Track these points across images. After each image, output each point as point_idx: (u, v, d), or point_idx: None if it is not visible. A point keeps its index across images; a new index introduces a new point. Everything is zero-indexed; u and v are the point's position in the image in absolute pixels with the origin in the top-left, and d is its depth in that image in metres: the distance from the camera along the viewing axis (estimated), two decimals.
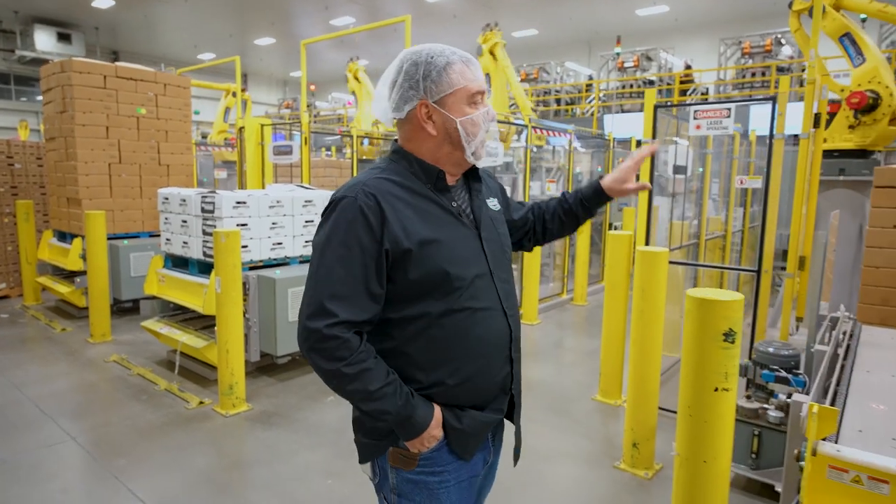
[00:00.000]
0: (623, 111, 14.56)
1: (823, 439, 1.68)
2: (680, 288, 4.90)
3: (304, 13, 18.23)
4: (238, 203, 3.99)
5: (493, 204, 1.40)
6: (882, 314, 3.52)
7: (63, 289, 5.62)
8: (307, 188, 4.70)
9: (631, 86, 14.81)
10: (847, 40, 5.27)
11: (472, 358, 1.23)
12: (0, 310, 6.02)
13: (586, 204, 1.56)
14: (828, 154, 5.46)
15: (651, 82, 14.65)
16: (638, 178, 1.73)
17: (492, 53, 9.07)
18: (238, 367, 3.60)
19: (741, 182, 3.88)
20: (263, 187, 5.81)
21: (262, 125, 6.28)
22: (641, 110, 11.54)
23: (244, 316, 3.97)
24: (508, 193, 1.60)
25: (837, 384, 2.20)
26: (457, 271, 1.20)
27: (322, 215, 1.22)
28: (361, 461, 1.32)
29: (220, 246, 3.46)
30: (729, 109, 3.14)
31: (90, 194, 5.45)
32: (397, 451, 1.24)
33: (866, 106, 4.93)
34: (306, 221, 4.42)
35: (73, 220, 5.58)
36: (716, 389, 1.73)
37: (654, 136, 3.38)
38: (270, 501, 2.65)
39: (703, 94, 14.37)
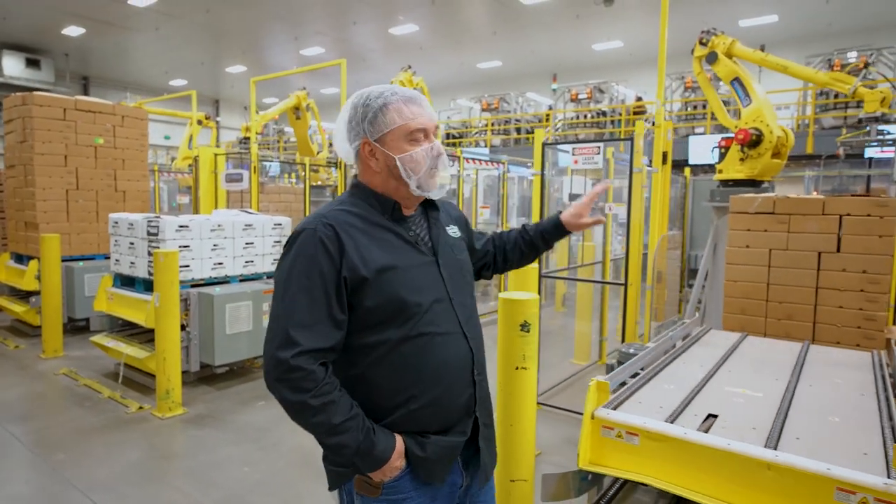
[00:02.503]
0: (578, 141, 15.38)
1: (604, 407, 2.19)
2: (590, 304, 5.43)
3: (275, 43, 18.83)
4: (181, 227, 4.42)
5: (453, 231, 1.47)
6: (741, 322, 4.09)
7: (18, 308, 5.93)
8: (250, 213, 5.15)
9: (585, 116, 15.65)
10: (737, 84, 5.97)
11: (433, 382, 1.27)
12: None
13: (546, 236, 1.67)
14: (724, 183, 6.13)
15: (603, 113, 15.51)
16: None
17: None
18: (174, 374, 3.99)
19: (609, 209, 4.46)
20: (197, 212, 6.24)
21: (216, 154, 6.73)
22: (595, 140, 12.30)
23: (185, 329, 4.37)
24: None
25: (655, 372, 2.72)
26: (414, 298, 1.25)
27: (284, 247, 1.28)
28: (330, 488, 1.33)
29: (159, 265, 3.88)
30: (598, 147, 3.72)
31: (47, 218, 5.81)
32: (362, 478, 1.26)
33: (750, 141, 5.59)
34: (246, 243, 4.85)
35: (30, 243, 5.91)
36: (517, 368, 2.23)
37: (542, 170, 3.93)
38: (190, 485, 3.05)
39: (652, 124, 15.28)
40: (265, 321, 4.69)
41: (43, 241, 5.19)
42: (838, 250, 3.75)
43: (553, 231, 1.67)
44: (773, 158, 5.79)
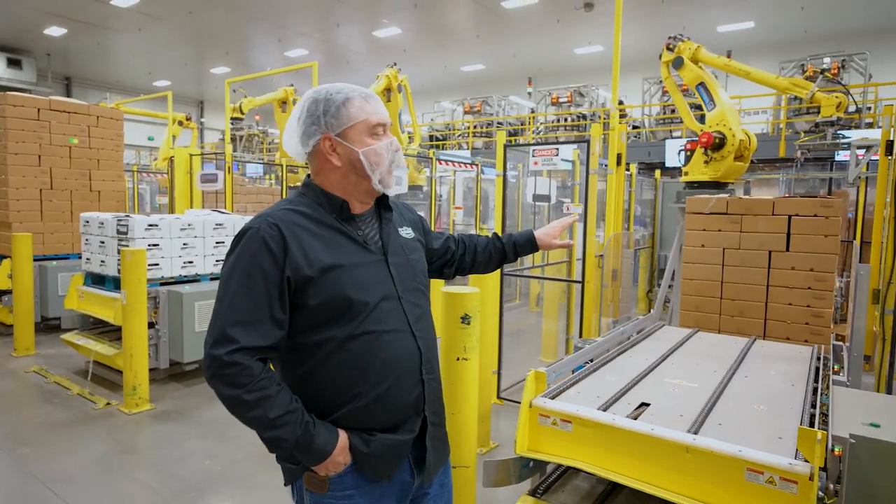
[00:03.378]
0: (559, 143, 15.56)
1: (542, 396, 2.29)
2: (557, 302, 5.55)
3: (259, 44, 18.83)
4: (150, 226, 4.47)
5: (406, 232, 1.47)
6: (696, 319, 4.23)
7: None
8: (222, 213, 5.21)
9: (566, 119, 15.83)
10: (702, 88, 6.14)
11: (379, 380, 1.27)
12: None
13: (518, 248, 1.75)
14: (690, 185, 6.29)
15: (584, 116, 15.71)
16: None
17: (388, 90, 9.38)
18: (142, 370, 4.04)
19: (567, 208, 4.58)
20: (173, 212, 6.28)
21: (192, 155, 6.77)
22: (574, 142, 12.47)
23: (154, 327, 4.42)
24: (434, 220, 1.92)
25: (600, 364, 2.84)
26: (359, 296, 1.25)
27: (231, 245, 1.28)
28: (285, 483, 1.35)
29: (126, 263, 3.93)
30: (557, 150, 3.83)
31: (21, 218, 5.82)
32: (309, 474, 1.28)
33: (713, 144, 5.75)
34: (217, 242, 4.91)
35: (2, 242, 5.91)
36: (458, 359, 2.33)
37: (504, 170, 4.04)
38: (152, 477, 3.12)
39: (634, 127, 15.51)
40: None
41: (14, 241, 5.21)
42: (787, 249, 3.90)
43: (525, 245, 1.75)
44: (737, 161, 5.95)
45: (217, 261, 4.92)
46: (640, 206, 8.91)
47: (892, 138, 3.32)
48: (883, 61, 13.52)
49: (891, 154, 3.36)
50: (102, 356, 4.37)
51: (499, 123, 17.29)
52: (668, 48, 6.35)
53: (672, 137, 13.65)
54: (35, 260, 5.73)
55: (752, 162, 12.34)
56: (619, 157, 3.94)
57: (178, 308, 4.41)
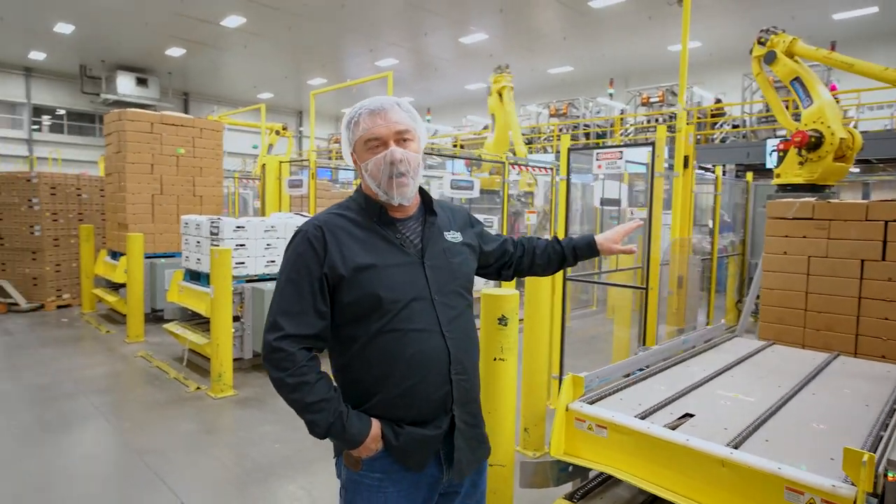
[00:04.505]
0: (625, 146, 14.93)
1: (580, 400, 2.28)
2: (629, 309, 5.37)
3: (352, 55, 19.76)
4: (238, 227, 4.88)
5: (453, 236, 1.52)
6: (778, 331, 3.94)
7: (111, 298, 6.72)
8: (302, 215, 5.57)
9: (657, 120, 15.18)
10: (797, 84, 5.70)
11: (406, 375, 1.36)
12: (62, 315, 7.24)
13: (577, 252, 1.77)
14: (782, 188, 5.85)
15: (676, 116, 14.98)
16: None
17: (499, 94, 9.61)
18: (226, 359, 4.42)
19: (632, 213, 4.40)
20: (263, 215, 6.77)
21: (281, 162, 7.28)
22: (640, 145, 11.99)
23: (240, 320, 4.82)
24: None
25: (652, 373, 2.77)
26: (389, 294, 1.34)
27: (287, 245, 1.43)
28: (334, 455, 1.50)
29: (214, 261, 4.34)
30: (621, 152, 3.74)
31: (136, 220, 6.56)
32: (346, 451, 1.40)
33: (808, 144, 5.32)
34: None
35: (121, 242, 6.68)
36: (495, 359, 2.37)
37: (567, 174, 4.00)
38: (227, 455, 3.43)
39: (734, 126, 14.58)
40: None
41: (129, 240, 5.89)
42: (884, 258, 3.54)
43: (585, 249, 1.77)
44: (837, 161, 5.47)
45: None
46: (730, 211, 8.38)
47: None
48: None
49: None
50: (195, 345, 4.83)
51: (586, 126, 16.91)
52: (760, 42, 5.98)
53: (776, 136, 12.68)
54: (147, 258, 6.44)
55: (870, 162, 11.18)
56: (686, 159, 3.78)
57: (260, 303, 4.78)
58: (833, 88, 12.61)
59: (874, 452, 1.79)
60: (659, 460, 1.98)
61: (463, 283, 1.50)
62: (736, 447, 1.88)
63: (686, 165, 3.81)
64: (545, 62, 19.73)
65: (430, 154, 6.57)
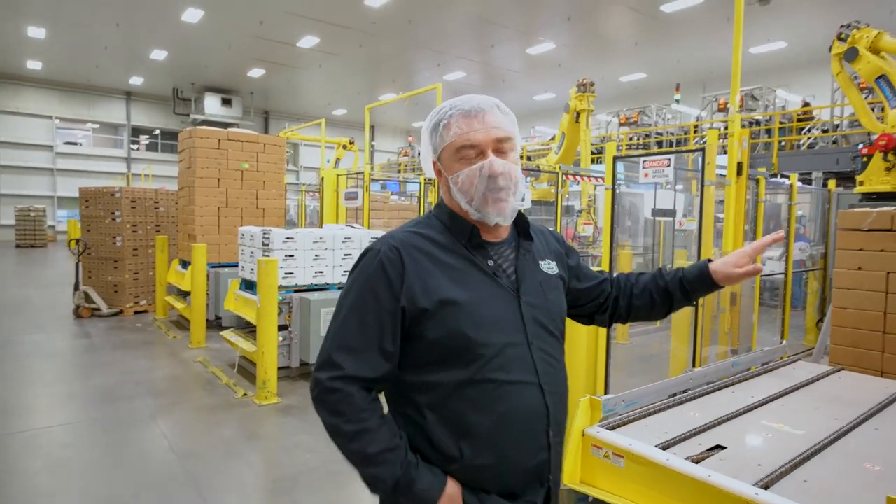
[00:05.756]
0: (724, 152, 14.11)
1: (598, 425, 2.12)
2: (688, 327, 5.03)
3: (421, 70, 20.17)
4: (287, 238, 5.03)
5: (548, 267, 1.29)
6: (853, 356, 3.54)
7: (179, 305, 7.14)
8: (353, 227, 5.67)
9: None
10: (883, 82, 5.17)
11: (495, 438, 1.10)
12: (137, 321, 7.78)
13: (687, 286, 1.40)
14: (867, 196, 5.30)
15: (757, 122, 14.07)
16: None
17: (577, 116, 9.18)
18: (271, 367, 4.55)
19: (680, 224, 4.08)
20: (321, 226, 6.94)
21: (338, 175, 7.48)
22: (691, 151, 11.36)
23: (288, 329, 4.95)
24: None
25: (689, 398, 2.54)
26: (481, 336, 1.10)
27: (356, 262, 1.19)
28: None
29: (261, 271, 4.48)
30: (669, 160, 3.51)
31: (203, 231, 6.94)
32: None
33: (892, 148, 4.80)
34: (345, 255, 5.35)
35: (190, 252, 7.10)
36: None
37: (613, 184, 3.81)
38: (260, 462, 3.53)
39: (823, 130, 13.50)
40: None
41: (193, 250, 6.23)
42: None
43: (697, 280, 1.39)
44: None
45: (344, 271, 5.35)
46: (816, 222, 7.70)
47: None
48: None
49: None
50: (246, 352, 5.01)
51: (658, 134, 16.24)
52: (840, 38, 5.50)
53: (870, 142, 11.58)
54: (212, 267, 6.79)
55: None
56: (739, 166, 3.48)
57: (307, 313, 4.89)
58: (806, 104, 11.39)
59: None
60: (678, 495, 1.80)
61: (559, 323, 1.28)
62: (766, 487, 1.67)
63: (739, 173, 3.52)
64: (616, 70, 19.21)
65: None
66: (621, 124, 16.70)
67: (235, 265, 7.16)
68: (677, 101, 15.36)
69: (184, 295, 7.46)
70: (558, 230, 6.69)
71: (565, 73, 18.92)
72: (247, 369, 5.34)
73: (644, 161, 3.66)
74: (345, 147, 12.90)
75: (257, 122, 25.19)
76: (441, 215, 1.23)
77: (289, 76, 20.71)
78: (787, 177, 8.53)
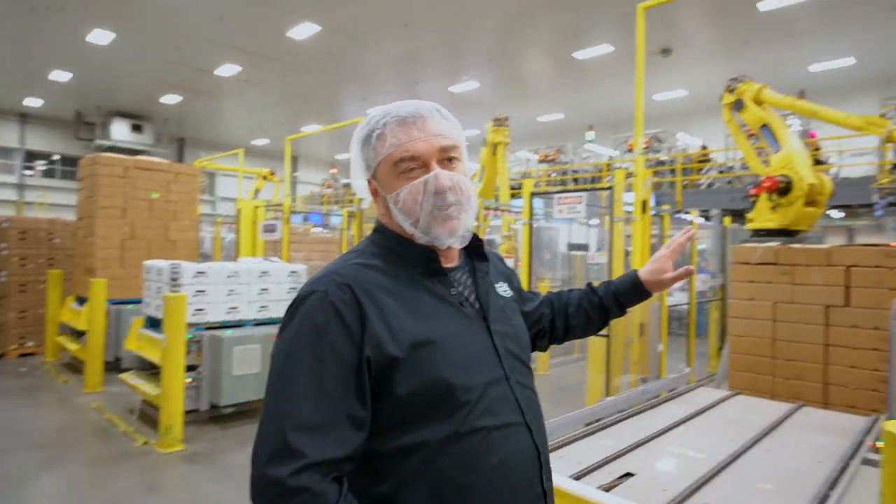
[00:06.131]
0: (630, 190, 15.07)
1: None
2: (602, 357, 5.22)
3: (346, 102, 20.19)
4: (199, 273, 4.78)
5: (504, 290, 1.16)
6: (748, 380, 3.80)
7: (73, 346, 6.54)
8: (272, 261, 5.48)
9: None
10: (766, 131, 5.72)
11: (490, 496, 0.94)
12: (23, 364, 7.01)
13: (621, 298, 1.36)
14: (756, 233, 5.79)
15: (662, 162, 15.16)
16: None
17: (494, 148, 9.40)
18: (177, 411, 4.23)
19: (592, 258, 4.32)
20: (237, 259, 6.67)
21: (256, 207, 7.25)
22: (601, 188, 12.11)
23: (197, 369, 4.65)
24: None
25: (601, 427, 2.61)
26: (462, 379, 0.94)
27: (285, 315, 0.97)
28: None
29: (168, 307, 4.21)
30: (581, 197, 3.69)
31: (104, 265, 6.45)
32: None
33: (778, 189, 5.29)
34: (261, 289, 5.14)
35: (88, 288, 6.56)
36: None
37: (530, 218, 3.94)
38: None
39: (720, 172, 14.73)
40: None
41: (92, 286, 5.77)
42: (847, 304, 3.44)
43: (630, 291, 1.35)
44: (809, 207, 5.43)
45: (261, 307, 5.14)
46: (716, 256, 8.32)
47: None
48: None
49: None
50: (149, 395, 4.64)
51: (574, 171, 17.08)
52: (729, 90, 6.04)
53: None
54: (113, 304, 6.30)
55: (852, 207, 11.21)
56: (644, 203, 3.73)
57: (218, 352, 4.62)
58: (812, 135, 12.84)
59: None
60: None
61: (528, 350, 1.14)
62: None
63: (644, 210, 3.76)
64: (535, 110, 20.14)
65: None
66: (540, 161, 17.45)
67: (140, 301, 6.70)
68: (590, 140, 16.31)
69: (78, 335, 6.85)
70: None
71: (488, 111, 19.58)
72: (149, 415, 4.93)
73: (558, 197, 3.82)
74: (265, 178, 12.57)
75: (171, 149, 24.06)
76: (386, 242, 1.05)
77: (207, 104, 20.03)
78: (690, 213, 9.20)
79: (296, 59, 15.36)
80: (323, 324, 0.90)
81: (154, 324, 5.16)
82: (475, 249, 1.12)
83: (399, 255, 1.03)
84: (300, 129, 23.37)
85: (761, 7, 11.16)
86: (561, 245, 8.31)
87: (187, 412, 4.47)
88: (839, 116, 5.24)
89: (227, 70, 16.28)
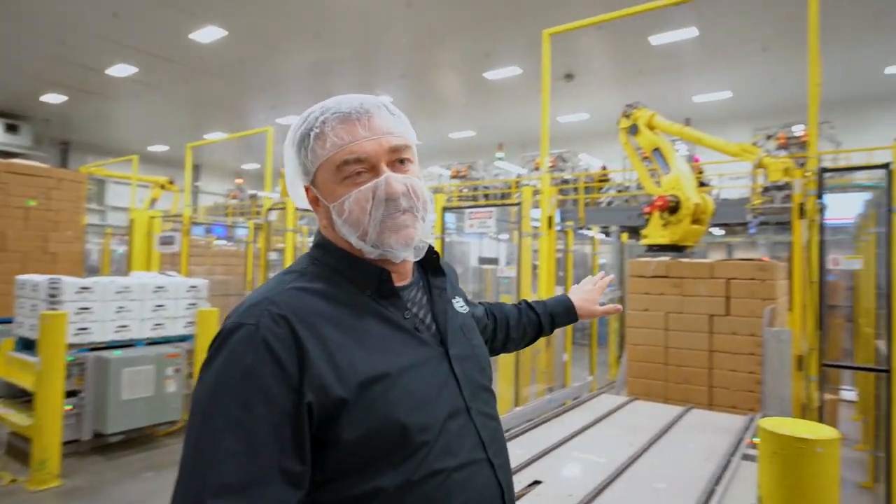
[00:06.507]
0: (537, 206, 15.75)
1: None
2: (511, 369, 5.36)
3: (253, 111, 19.45)
4: (82, 288, 4.37)
5: (460, 305, 1.05)
6: (645, 386, 4.05)
7: None
8: (170, 275, 5.12)
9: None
10: (658, 154, 6.21)
11: None
12: None
13: (556, 320, 1.41)
14: (650, 248, 6.24)
15: (566, 181, 15.96)
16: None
17: None
18: (52, 443, 3.81)
19: (501, 272, 4.49)
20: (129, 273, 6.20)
21: (152, 217, 6.77)
22: (512, 204, 12.67)
23: (79, 395, 4.23)
24: None
25: (511, 437, 2.66)
26: (418, 419, 0.83)
27: (208, 352, 0.82)
28: None
29: (44, 326, 3.80)
30: (491, 212, 3.79)
31: None
32: None
33: (668, 208, 5.75)
34: (156, 306, 4.79)
35: None
36: None
37: (443, 232, 3.98)
38: None
39: (618, 191, 15.73)
40: (168, 386, 4.57)
41: None
42: (727, 313, 3.78)
43: (564, 315, 1.41)
44: (694, 224, 5.94)
45: (156, 325, 4.78)
46: (615, 270, 8.85)
47: (802, 202, 3.28)
48: (853, 129, 13.92)
49: (803, 217, 3.31)
50: (19, 426, 4.15)
51: (485, 187, 17.55)
52: (625, 115, 6.49)
53: None
54: None
55: (730, 225, 12.37)
56: (550, 219, 3.92)
57: (105, 374, 4.24)
58: (696, 160, 14.09)
59: None
60: None
61: (489, 372, 1.03)
62: None
63: (550, 226, 3.93)
64: (447, 126, 20.51)
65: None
66: (452, 177, 17.77)
67: (11, 321, 6.01)
68: (500, 158, 16.86)
69: None
70: None
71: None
72: (20, 448, 4.40)
73: (470, 212, 3.90)
74: (163, 187, 11.78)
75: (52, 153, 21.95)
76: (329, 259, 0.91)
77: (97, 105, 18.50)
78: (591, 229, 9.74)
79: (200, 64, 14.63)
80: (252, 365, 0.76)
81: (27, 345, 4.64)
82: (430, 263, 1.00)
83: (344, 275, 0.90)
84: (203, 137, 22.22)
85: (653, 41, 12.14)
86: (472, 259, 8.48)
87: (66, 443, 4.05)
88: (719, 143, 5.79)
89: (121, 70, 15.17)
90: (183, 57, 14.16)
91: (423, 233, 0.91)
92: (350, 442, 0.79)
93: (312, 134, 0.89)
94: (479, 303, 1.32)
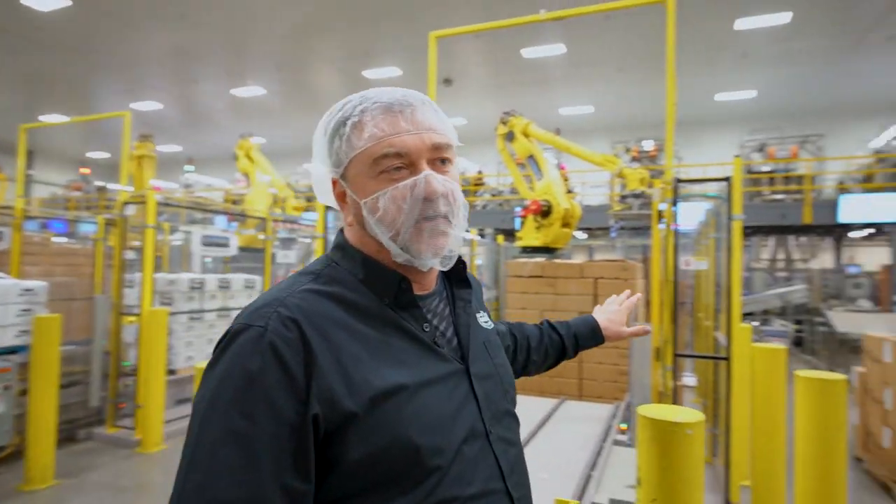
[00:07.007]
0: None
1: None
2: None
3: (103, 94, 17.42)
4: None
5: (485, 321, 0.99)
6: (522, 381, 4.24)
7: None
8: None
9: None
10: (532, 161, 6.58)
11: None
12: None
13: (581, 342, 1.31)
14: (525, 249, 6.59)
15: None
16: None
17: (248, 157, 9.67)
18: None
19: None
20: None
21: None
22: None
23: None
24: None
25: None
26: (432, 440, 0.77)
27: (213, 353, 0.77)
28: None
29: None
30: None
31: None
32: None
33: (541, 212, 6.12)
34: None
35: None
36: None
37: (325, 232, 3.85)
38: None
39: (493, 195, 16.39)
40: None
41: None
42: None
43: (590, 336, 1.30)
44: (563, 228, 6.38)
45: (22, 330, 4.08)
46: (486, 269, 9.19)
47: (660, 209, 3.67)
48: (690, 147, 15.86)
49: (661, 222, 3.70)
50: None
51: None
52: (503, 122, 6.79)
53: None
54: None
55: (591, 229, 13.45)
56: None
57: None
58: (563, 167, 15.18)
59: (580, 499, 1.88)
60: None
61: (513, 394, 0.96)
62: None
63: None
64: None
65: (195, 208, 5.85)
66: None
67: None
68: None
69: None
70: (267, 281, 6.41)
71: (276, 119, 18.92)
72: None
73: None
74: None
75: None
76: (348, 263, 0.85)
77: None
78: (469, 231, 10.02)
79: (37, 35, 12.80)
80: (257, 371, 0.70)
81: None
82: (456, 273, 0.93)
83: (362, 280, 0.83)
84: (39, 119, 19.44)
85: (524, 54, 12.84)
86: None
87: None
88: (585, 153, 6.27)
89: None
90: (15, 26, 12.31)
91: (456, 242, 0.85)
92: (356, 461, 0.73)
93: (350, 122, 0.82)
94: (501, 321, 1.28)
